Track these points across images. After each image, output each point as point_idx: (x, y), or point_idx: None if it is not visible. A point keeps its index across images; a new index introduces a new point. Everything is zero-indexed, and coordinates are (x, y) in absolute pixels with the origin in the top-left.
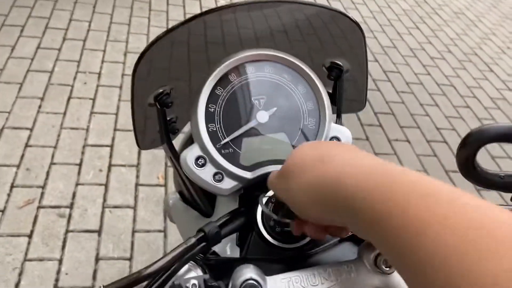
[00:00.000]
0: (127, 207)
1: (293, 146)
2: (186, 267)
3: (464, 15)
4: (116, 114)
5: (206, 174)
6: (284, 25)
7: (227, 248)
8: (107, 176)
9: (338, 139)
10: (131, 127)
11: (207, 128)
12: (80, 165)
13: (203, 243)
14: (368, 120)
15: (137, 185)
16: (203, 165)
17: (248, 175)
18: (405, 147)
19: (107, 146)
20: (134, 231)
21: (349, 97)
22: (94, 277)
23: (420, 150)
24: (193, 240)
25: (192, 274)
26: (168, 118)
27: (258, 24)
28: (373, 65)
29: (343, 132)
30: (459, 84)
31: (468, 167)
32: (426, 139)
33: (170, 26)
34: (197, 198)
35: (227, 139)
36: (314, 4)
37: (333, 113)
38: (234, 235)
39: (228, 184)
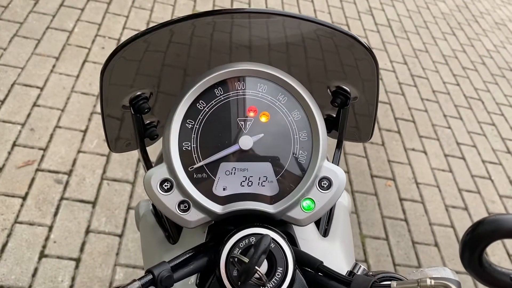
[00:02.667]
0: (125, 182)
1: (278, 180)
2: None
3: (505, 26)
4: None
5: (170, 201)
6: (288, 40)
7: (188, 285)
8: None
9: (329, 180)
10: None
11: (180, 146)
12: (85, 132)
13: None
14: (387, 124)
15: (139, 160)
16: (168, 190)
17: (218, 209)
18: (420, 158)
19: None
20: (129, 208)
21: (354, 125)
22: (81, 249)
23: (435, 164)
24: (137, 284)
25: None
26: (147, 122)
27: (258, 35)
28: (402, 68)
29: (336, 173)
30: (488, 99)
31: (473, 262)
32: (444, 152)
33: None
34: (164, 218)
35: (201, 163)
36: (328, 26)
37: (334, 138)
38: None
39: (194, 215)
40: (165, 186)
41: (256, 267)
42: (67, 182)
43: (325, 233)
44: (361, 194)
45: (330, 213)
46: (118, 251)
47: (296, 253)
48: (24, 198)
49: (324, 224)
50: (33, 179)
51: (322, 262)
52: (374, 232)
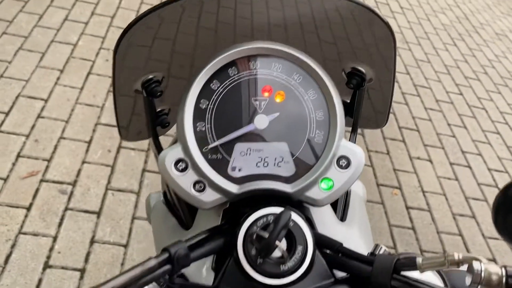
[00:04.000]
0: (130, 192)
1: (295, 160)
2: None
3: (506, 37)
4: None
5: (185, 181)
6: (301, 18)
7: (203, 270)
8: (115, 157)
9: (347, 159)
10: None
11: (195, 127)
12: (89, 143)
13: (167, 266)
14: (391, 133)
15: (144, 170)
16: (183, 170)
17: (234, 188)
18: (426, 167)
19: None
20: (134, 218)
21: (369, 111)
22: (86, 260)
23: (441, 172)
24: (153, 262)
25: None
26: (158, 109)
27: (272, 13)
28: (404, 78)
29: (355, 151)
30: (491, 108)
31: (508, 225)
32: (450, 161)
33: None
34: (177, 204)
35: (216, 143)
36: None
37: (348, 126)
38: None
39: (210, 196)
40: (180, 166)
41: (277, 242)
42: (71, 193)
43: (342, 219)
44: (367, 203)
45: (346, 200)
46: (123, 261)
47: (315, 235)
48: (29, 208)
49: (341, 210)
50: (37, 190)
51: (342, 244)
52: (382, 241)
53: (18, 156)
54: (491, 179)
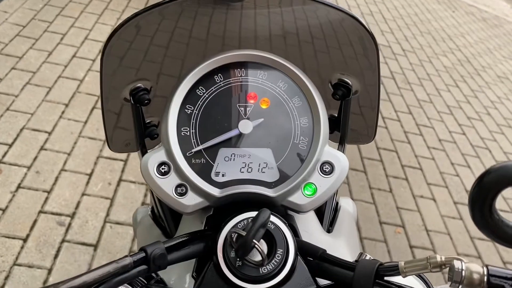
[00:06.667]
0: (128, 225)
1: (279, 166)
2: None
3: (508, 79)
4: None
5: (167, 184)
6: (288, 28)
7: (185, 278)
8: (115, 190)
9: (331, 164)
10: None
11: (179, 131)
12: (90, 175)
13: (143, 266)
14: (394, 171)
15: (143, 204)
16: (165, 173)
17: (216, 192)
18: (430, 205)
19: (121, 160)
20: (131, 252)
21: (357, 125)
22: None
23: (445, 211)
24: (128, 260)
25: None
26: (147, 121)
27: (260, 22)
28: (407, 117)
29: (338, 157)
30: (495, 148)
31: (484, 214)
32: (453, 200)
33: None
34: (162, 214)
35: (200, 147)
36: (325, 3)
37: (336, 141)
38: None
39: (191, 199)
40: (162, 169)
41: (254, 240)
42: (69, 225)
43: (328, 231)
44: (370, 241)
45: (335, 214)
46: None
47: (298, 242)
48: (25, 240)
49: (327, 223)
50: (35, 221)
51: (325, 250)
52: None
53: (19, 187)
54: None
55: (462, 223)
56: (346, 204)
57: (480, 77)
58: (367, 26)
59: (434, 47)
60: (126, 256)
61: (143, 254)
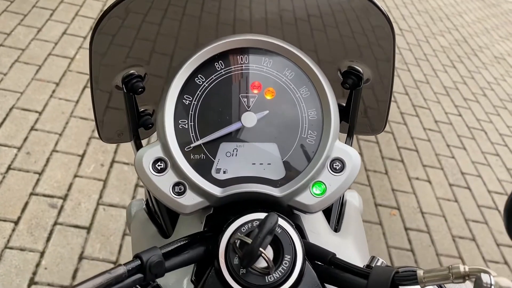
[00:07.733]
0: (122, 207)
1: (285, 162)
2: None
3: (505, 60)
4: None
5: (164, 183)
6: (295, 12)
7: (183, 283)
8: (108, 172)
9: (342, 161)
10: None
11: (176, 124)
12: (82, 156)
13: (138, 275)
14: (390, 153)
15: (137, 185)
16: (162, 171)
17: (217, 191)
18: (425, 188)
19: None
20: (125, 234)
21: (367, 114)
22: (74, 277)
23: (440, 193)
24: (122, 269)
25: None
26: (141, 109)
27: (258, 7)
28: (403, 98)
29: (350, 153)
30: (490, 130)
31: None
32: (449, 182)
33: None
34: (158, 210)
35: (199, 142)
36: None
37: (344, 132)
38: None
39: (190, 199)
40: (159, 166)
41: (261, 248)
42: (61, 207)
43: (336, 230)
44: (365, 223)
45: (341, 210)
46: None
47: (306, 245)
48: (16, 222)
49: (335, 221)
50: (26, 203)
51: (335, 254)
52: None
53: (9, 168)
54: (491, 201)
55: (457, 205)
56: (352, 198)
57: (477, 58)
58: (383, 10)
59: (431, 26)
60: (119, 265)
61: (138, 262)
